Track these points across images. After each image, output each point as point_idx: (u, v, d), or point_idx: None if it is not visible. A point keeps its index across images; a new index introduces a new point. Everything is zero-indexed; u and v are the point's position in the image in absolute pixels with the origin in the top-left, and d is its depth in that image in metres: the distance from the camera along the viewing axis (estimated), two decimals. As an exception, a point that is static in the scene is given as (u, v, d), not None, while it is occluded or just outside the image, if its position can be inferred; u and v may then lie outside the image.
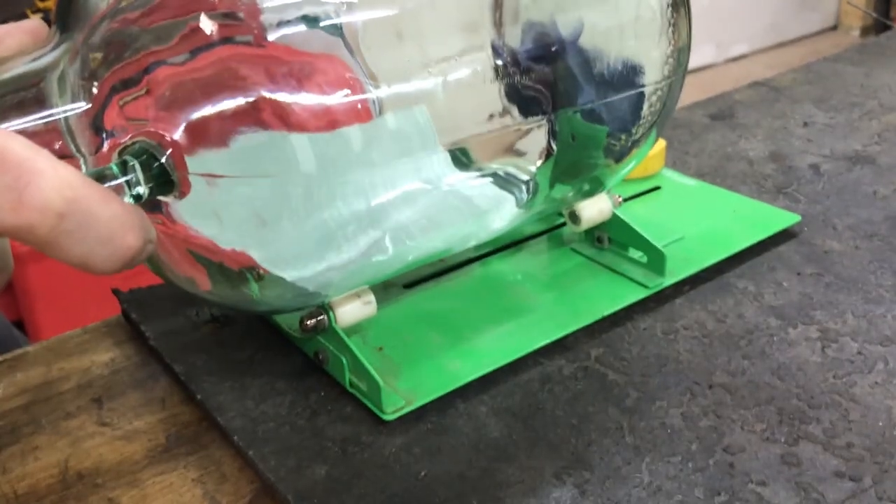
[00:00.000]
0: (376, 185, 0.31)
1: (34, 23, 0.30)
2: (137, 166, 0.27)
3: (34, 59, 0.28)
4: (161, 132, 0.28)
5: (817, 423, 0.34)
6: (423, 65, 0.32)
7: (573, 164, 0.38)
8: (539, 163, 0.37)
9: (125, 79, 0.28)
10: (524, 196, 0.37)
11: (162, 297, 0.43)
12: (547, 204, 0.40)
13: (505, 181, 0.36)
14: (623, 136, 0.39)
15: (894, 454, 0.32)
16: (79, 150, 0.28)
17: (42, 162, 0.23)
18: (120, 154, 0.28)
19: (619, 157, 0.40)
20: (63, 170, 0.23)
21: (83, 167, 0.28)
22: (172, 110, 0.28)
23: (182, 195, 0.29)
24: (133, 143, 0.28)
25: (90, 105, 0.28)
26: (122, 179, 0.27)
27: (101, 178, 0.27)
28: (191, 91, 0.28)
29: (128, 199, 0.27)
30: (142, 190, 0.28)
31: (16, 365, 0.41)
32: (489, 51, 0.34)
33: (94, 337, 0.43)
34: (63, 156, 0.27)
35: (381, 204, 0.32)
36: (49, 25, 0.30)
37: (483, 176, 0.36)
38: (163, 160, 0.28)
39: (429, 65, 0.32)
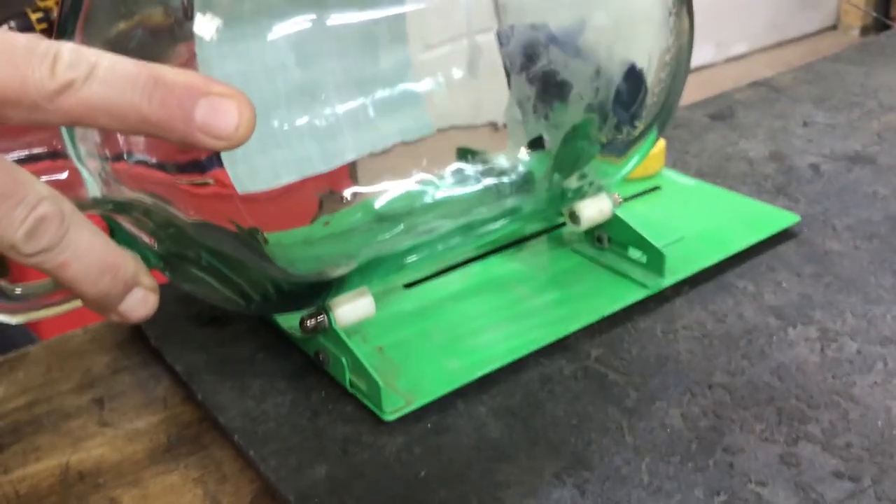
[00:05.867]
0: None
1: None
2: None
3: None
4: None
5: (816, 423, 0.34)
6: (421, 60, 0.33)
7: (569, 156, 0.39)
8: (534, 155, 0.37)
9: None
10: (521, 189, 0.38)
11: (163, 297, 0.43)
12: (546, 201, 0.40)
13: (500, 172, 0.37)
14: (622, 132, 0.39)
15: (893, 454, 0.32)
16: (77, 154, 0.28)
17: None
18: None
19: (619, 154, 0.40)
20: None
21: (80, 168, 0.28)
22: None
23: None
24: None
25: None
26: None
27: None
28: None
29: None
30: None
31: (17, 365, 0.41)
32: (494, 44, 0.34)
33: (95, 337, 0.43)
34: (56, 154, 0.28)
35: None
36: (50, 27, 0.30)
37: (484, 170, 0.36)
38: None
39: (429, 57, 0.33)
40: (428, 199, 0.34)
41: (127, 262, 0.27)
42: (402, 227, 0.34)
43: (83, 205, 0.29)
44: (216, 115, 0.24)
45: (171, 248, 0.32)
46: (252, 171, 0.29)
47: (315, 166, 0.31)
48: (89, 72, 0.23)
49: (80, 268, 0.26)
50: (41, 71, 0.23)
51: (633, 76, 0.38)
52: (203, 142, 0.24)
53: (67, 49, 0.23)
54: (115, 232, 0.32)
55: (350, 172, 0.32)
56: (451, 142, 0.35)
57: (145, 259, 0.31)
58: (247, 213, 0.29)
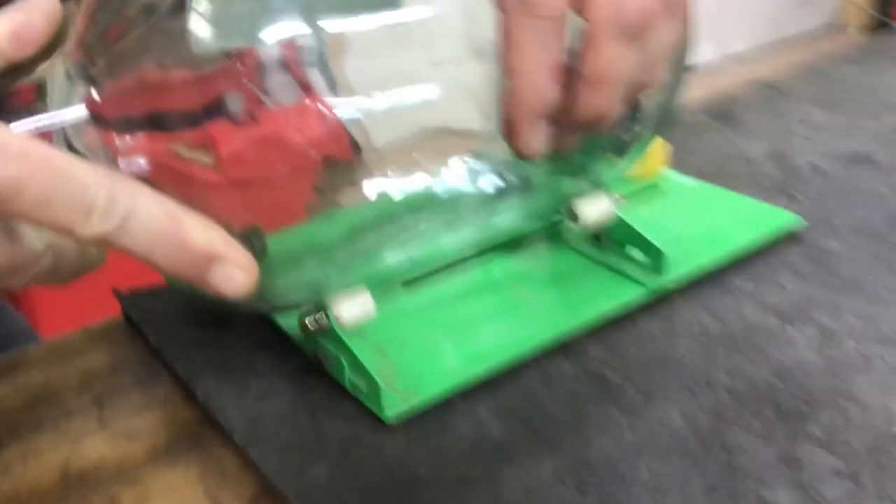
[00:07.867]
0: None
1: (48, 6, 0.29)
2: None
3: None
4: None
5: (817, 422, 0.34)
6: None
7: (568, 158, 0.39)
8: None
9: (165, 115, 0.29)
10: (522, 190, 0.38)
11: (163, 297, 0.44)
12: (545, 199, 0.40)
13: (499, 173, 0.37)
14: (622, 136, 0.39)
15: (894, 454, 0.32)
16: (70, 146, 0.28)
17: None
18: None
19: (618, 154, 0.40)
20: None
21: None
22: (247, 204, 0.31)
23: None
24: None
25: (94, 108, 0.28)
26: None
27: None
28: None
29: None
30: None
31: (16, 365, 0.41)
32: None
33: (94, 337, 0.43)
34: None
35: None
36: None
37: (484, 172, 0.36)
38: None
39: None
40: (426, 199, 0.34)
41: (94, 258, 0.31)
42: (399, 231, 0.34)
43: None
44: (227, 281, 0.28)
45: None
46: (218, 27, 0.30)
47: (280, 34, 0.31)
48: (121, 224, 0.26)
49: (56, 280, 0.30)
50: (76, 218, 0.25)
51: None
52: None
53: (102, 198, 0.25)
54: None
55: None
56: (451, 143, 0.35)
57: None
58: (239, 205, 0.30)
